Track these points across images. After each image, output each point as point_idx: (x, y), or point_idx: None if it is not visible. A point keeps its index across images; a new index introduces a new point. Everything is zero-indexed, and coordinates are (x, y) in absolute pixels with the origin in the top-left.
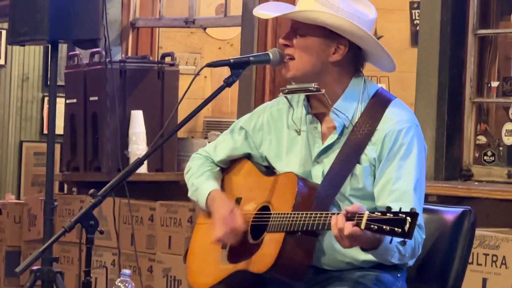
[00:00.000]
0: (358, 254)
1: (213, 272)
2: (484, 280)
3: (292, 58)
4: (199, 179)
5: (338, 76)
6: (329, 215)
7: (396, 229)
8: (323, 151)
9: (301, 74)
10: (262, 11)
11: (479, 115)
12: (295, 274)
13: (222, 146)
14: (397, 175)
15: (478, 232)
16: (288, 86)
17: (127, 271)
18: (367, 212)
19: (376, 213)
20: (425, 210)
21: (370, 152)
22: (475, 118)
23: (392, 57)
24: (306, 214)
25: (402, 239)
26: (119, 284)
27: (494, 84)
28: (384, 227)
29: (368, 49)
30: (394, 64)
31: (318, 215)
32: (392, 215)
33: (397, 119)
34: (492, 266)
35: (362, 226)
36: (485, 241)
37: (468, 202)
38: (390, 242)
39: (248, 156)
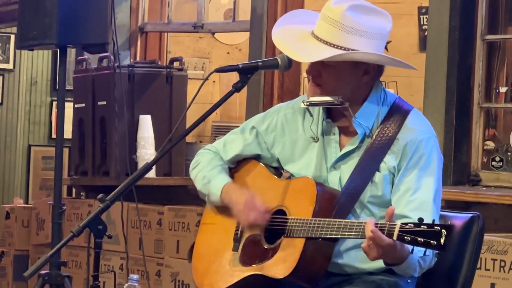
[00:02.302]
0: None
1: (225, 274)
2: (492, 285)
3: (321, 85)
4: (211, 172)
5: (360, 89)
6: (355, 224)
7: (431, 241)
8: (341, 158)
9: (332, 95)
10: (287, 44)
11: (487, 120)
12: (313, 279)
13: (232, 145)
14: (417, 185)
15: (486, 237)
16: (311, 99)
17: (135, 276)
18: (399, 223)
19: (409, 224)
20: None
21: (389, 160)
22: (483, 123)
23: (411, 64)
24: (335, 222)
25: (437, 251)
26: None
27: (503, 89)
28: (418, 239)
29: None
30: (414, 68)
31: (343, 223)
32: (426, 227)
33: (418, 129)
34: (500, 271)
35: (394, 237)
36: (493, 246)
37: (476, 207)
38: (411, 252)
39: (256, 157)
